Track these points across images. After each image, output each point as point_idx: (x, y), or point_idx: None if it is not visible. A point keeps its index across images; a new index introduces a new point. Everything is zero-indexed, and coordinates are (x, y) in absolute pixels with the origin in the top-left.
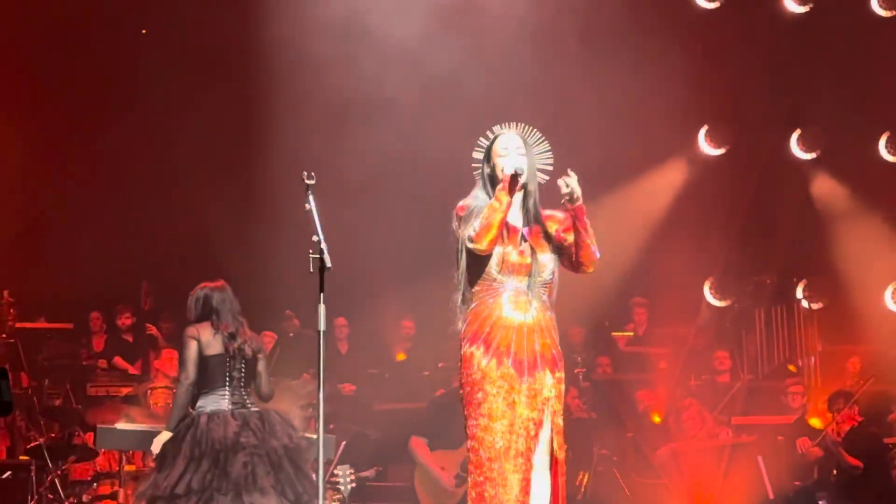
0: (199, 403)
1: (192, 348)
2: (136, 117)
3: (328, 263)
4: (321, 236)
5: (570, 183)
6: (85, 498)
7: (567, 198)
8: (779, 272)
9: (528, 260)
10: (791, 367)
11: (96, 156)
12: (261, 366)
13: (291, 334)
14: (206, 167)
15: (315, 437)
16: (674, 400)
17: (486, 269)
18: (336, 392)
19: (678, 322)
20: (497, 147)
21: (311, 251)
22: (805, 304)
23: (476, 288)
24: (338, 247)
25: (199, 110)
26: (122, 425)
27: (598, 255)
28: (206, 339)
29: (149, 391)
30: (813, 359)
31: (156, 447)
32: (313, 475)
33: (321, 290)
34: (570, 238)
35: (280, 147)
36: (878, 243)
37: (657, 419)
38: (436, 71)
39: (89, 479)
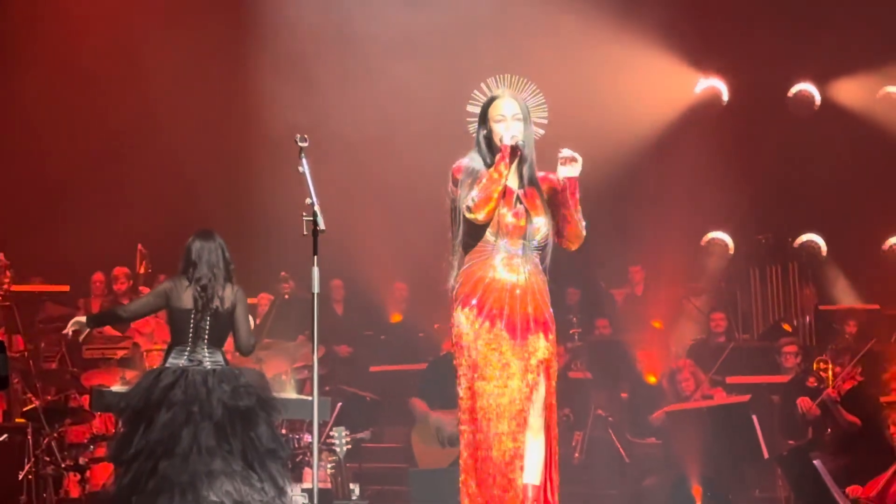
0: (168, 359)
1: (156, 292)
2: (131, 81)
3: (322, 226)
4: (314, 198)
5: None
6: (81, 460)
7: (567, 163)
8: (774, 231)
9: (523, 222)
10: (786, 327)
11: (92, 119)
12: (239, 319)
13: (287, 296)
14: (201, 129)
15: (310, 398)
16: (669, 360)
17: (482, 233)
18: (332, 354)
19: (674, 282)
20: (493, 112)
21: (304, 213)
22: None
23: (470, 249)
24: (332, 209)
25: (193, 73)
26: (117, 388)
27: (584, 231)
28: (178, 292)
29: (144, 353)
30: (808, 318)
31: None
32: (286, 437)
33: (315, 252)
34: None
35: (275, 109)
36: (877, 201)
37: (652, 380)
38: (430, 29)
39: (86, 441)
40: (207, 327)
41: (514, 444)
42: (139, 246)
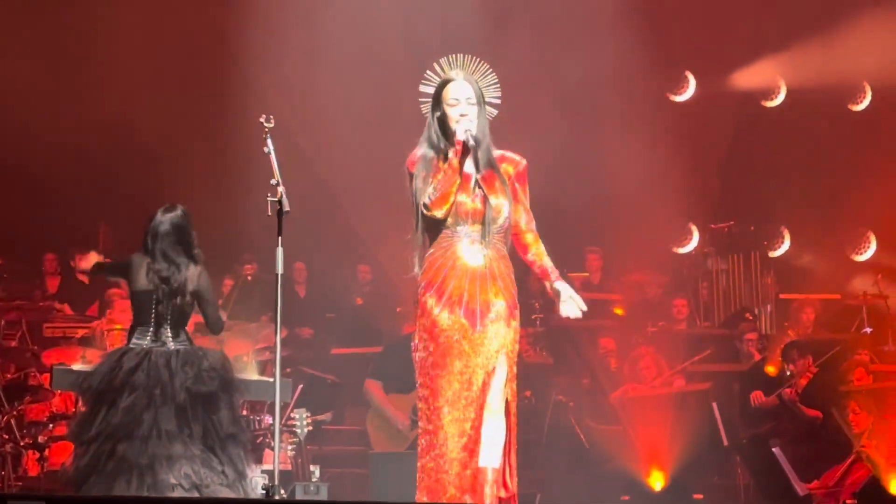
0: (131, 340)
1: (124, 263)
2: (98, 56)
3: (286, 207)
4: (279, 179)
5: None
6: (40, 439)
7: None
8: (737, 219)
9: (482, 206)
10: (747, 315)
11: (56, 94)
12: (205, 300)
13: (249, 277)
14: (167, 108)
15: (272, 380)
16: (630, 347)
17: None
18: (294, 336)
19: (633, 269)
20: (447, 95)
21: (269, 194)
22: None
23: (432, 237)
24: (296, 191)
25: (162, 50)
26: (78, 366)
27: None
28: (138, 271)
29: (105, 332)
30: (769, 306)
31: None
32: (247, 419)
33: (279, 233)
34: (518, 196)
35: (241, 89)
36: (841, 191)
37: (613, 366)
38: (398, 15)
39: (45, 419)
40: (170, 308)
41: (471, 429)
42: (102, 225)
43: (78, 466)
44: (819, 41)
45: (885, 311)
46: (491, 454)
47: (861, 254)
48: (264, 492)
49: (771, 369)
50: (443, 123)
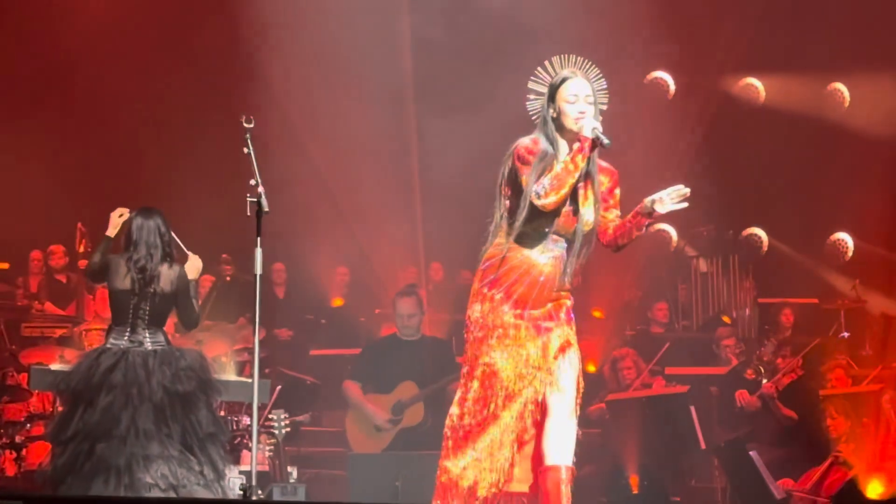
0: (109, 340)
1: (104, 263)
2: (77, 54)
3: (265, 207)
4: (259, 180)
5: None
6: (18, 439)
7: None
8: (715, 223)
9: (574, 215)
10: (725, 318)
11: (34, 92)
12: (181, 298)
13: (228, 278)
14: (144, 106)
15: (250, 381)
16: (609, 350)
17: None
18: (272, 337)
19: (613, 272)
20: (565, 92)
21: (248, 195)
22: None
23: (517, 233)
24: (275, 191)
25: (141, 48)
26: (56, 366)
27: None
28: (117, 271)
29: (83, 332)
30: (747, 310)
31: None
32: (225, 419)
33: (258, 233)
34: (610, 203)
35: (220, 87)
36: (819, 196)
37: (592, 368)
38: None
39: (22, 419)
40: (147, 308)
41: (531, 426)
42: (79, 224)
43: (55, 466)
44: (799, 45)
45: (863, 316)
46: (566, 452)
47: (839, 258)
48: (242, 492)
49: (750, 373)
50: (557, 122)
